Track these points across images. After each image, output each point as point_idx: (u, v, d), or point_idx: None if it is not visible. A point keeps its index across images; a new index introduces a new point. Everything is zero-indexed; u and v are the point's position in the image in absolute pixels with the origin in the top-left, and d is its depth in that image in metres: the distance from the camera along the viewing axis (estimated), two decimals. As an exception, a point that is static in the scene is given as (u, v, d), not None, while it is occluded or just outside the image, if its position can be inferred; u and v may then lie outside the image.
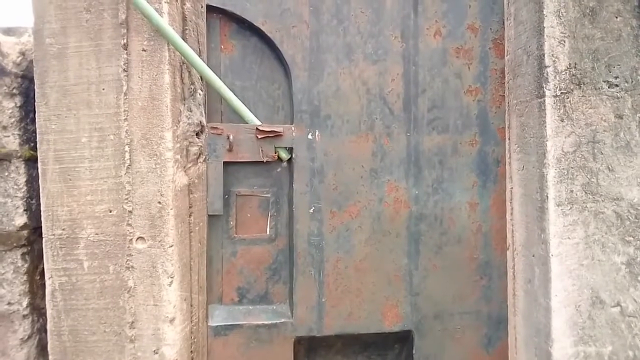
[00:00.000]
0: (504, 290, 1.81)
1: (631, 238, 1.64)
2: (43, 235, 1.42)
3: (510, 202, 1.82)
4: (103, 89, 1.41)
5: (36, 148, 1.42)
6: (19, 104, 1.53)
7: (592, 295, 1.63)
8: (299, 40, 1.68)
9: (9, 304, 1.52)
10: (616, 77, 1.65)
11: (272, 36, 1.67)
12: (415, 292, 1.75)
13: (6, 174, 1.50)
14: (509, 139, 1.82)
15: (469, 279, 1.78)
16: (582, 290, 1.63)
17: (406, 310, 1.75)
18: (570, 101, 1.63)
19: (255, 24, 1.66)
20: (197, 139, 1.58)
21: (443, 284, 1.77)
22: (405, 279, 1.75)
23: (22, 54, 1.55)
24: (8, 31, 1.58)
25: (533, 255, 1.72)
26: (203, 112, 1.61)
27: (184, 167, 1.55)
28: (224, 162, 1.63)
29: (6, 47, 1.52)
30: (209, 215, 1.64)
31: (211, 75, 1.56)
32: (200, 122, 1.59)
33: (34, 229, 1.57)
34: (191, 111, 1.55)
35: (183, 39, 1.48)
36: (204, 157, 1.63)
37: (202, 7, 1.62)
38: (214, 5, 1.64)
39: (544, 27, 1.65)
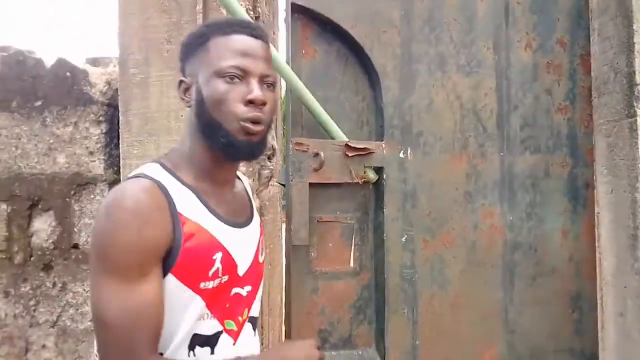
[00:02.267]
0: (596, 324, 1.74)
1: None
2: None
3: (598, 229, 1.76)
4: (181, 116, 1.43)
5: (119, 172, 1.48)
6: (104, 131, 1.64)
7: (694, 331, 1.58)
8: (390, 47, 1.55)
9: (92, 321, 1.57)
10: None
11: (362, 42, 1.52)
12: (510, 330, 1.64)
13: (91, 196, 1.59)
14: (595, 160, 1.76)
15: (563, 313, 1.69)
16: (683, 326, 1.58)
17: (502, 350, 1.63)
18: (664, 122, 1.60)
19: (343, 27, 1.51)
20: (268, 162, 1.57)
21: (537, 319, 1.66)
22: (501, 315, 1.63)
23: (108, 83, 1.65)
24: (94, 62, 1.72)
25: (625, 287, 1.66)
26: (274, 135, 1.61)
27: (256, 190, 1.47)
28: (309, 184, 1.46)
29: (94, 77, 1.64)
30: (292, 246, 1.45)
31: (297, 83, 1.40)
32: (272, 145, 1.58)
33: None
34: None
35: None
36: (274, 180, 1.55)
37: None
38: (298, 3, 1.47)
39: (634, 43, 1.62)
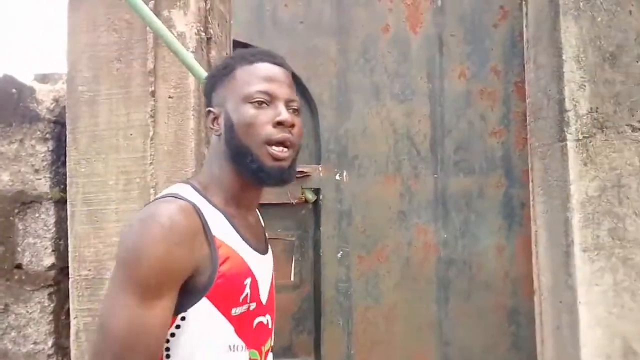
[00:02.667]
0: (533, 338, 1.82)
1: (661, 285, 1.70)
2: (69, 276, 1.46)
3: (536, 246, 1.85)
4: (131, 134, 1.48)
5: (66, 190, 1.49)
6: (51, 148, 1.62)
7: (624, 345, 1.66)
8: (325, 78, 1.70)
9: (35, 343, 1.57)
10: (639, 121, 1.73)
11: (299, 73, 1.68)
12: (445, 342, 1.74)
13: (36, 215, 1.58)
14: (532, 181, 1.87)
15: (500, 327, 1.79)
16: (612, 339, 1.65)
17: (437, 360, 1.73)
18: (593, 145, 1.70)
19: (282, 61, 1.66)
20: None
21: (473, 333, 1.76)
22: (435, 328, 1.74)
23: (56, 100, 1.66)
24: (44, 78, 1.73)
25: (560, 302, 1.75)
26: None
27: None
28: (249, 204, 1.60)
29: (41, 95, 1.65)
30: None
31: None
32: None
33: (61, 269, 1.61)
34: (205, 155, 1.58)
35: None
36: None
37: (226, 54, 1.65)
38: (241, 40, 1.64)
39: (564, 72, 1.73)
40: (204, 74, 1.56)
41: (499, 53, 1.88)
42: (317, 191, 1.68)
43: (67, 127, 1.50)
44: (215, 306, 0.80)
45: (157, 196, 0.89)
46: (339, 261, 1.67)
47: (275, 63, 0.90)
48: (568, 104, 1.72)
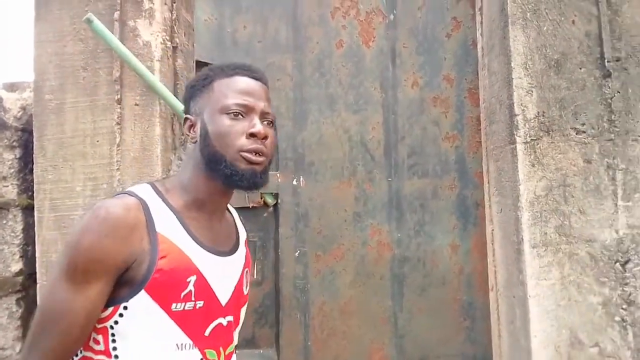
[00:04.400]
0: (488, 332, 1.93)
1: (605, 279, 1.78)
2: (37, 282, 1.51)
3: (492, 244, 1.96)
4: (97, 141, 1.57)
5: (33, 197, 1.54)
6: (18, 156, 1.67)
7: (571, 335, 1.75)
8: (283, 92, 1.87)
9: (2, 349, 1.58)
10: (583, 124, 1.83)
11: (258, 89, 1.85)
12: (400, 335, 1.87)
13: (4, 221, 1.62)
14: (488, 182, 1.98)
15: (453, 321, 1.90)
16: (560, 330, 1.75)
17: (392, 353, 1.85)
18: (540, 147, 1.81)
19: (242, 77, 1.84)
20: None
21: (428, 326, 1.88)
22: (390, 321, 1.86)
23: (23, 108, 1.72)
24: (11, 87, 1.76)
25: (513, 296, 1.85)
26: None
27: None
28: (212, 209, 1.78)
29: (8, 103, 1.69)
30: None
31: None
32: None
33: (29, 275, 1.66)
34: (181, 160, 1.71)
35: (174, 93, 1.65)
36: None
37: (193, 62, 1.81)
38: (203, 60, 1.82)
39: (513, 79, 1.83)
40: (180, 106, 1.69)
41: (452, 62, 2.00)
42: (276, 196, 1.84)
43: (35, 134, 1.55)
44: (154, 299, 0.83)
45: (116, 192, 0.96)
46: (297, 260, 1.82)
47: (253, 77, 0.95)
48: (517, 109, 1.82)
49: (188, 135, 0.96)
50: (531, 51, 1.85)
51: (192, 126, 0.95)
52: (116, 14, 1.59)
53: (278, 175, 1.84)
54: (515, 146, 1.82)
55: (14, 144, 1.67)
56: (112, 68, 1.60)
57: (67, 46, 1.59)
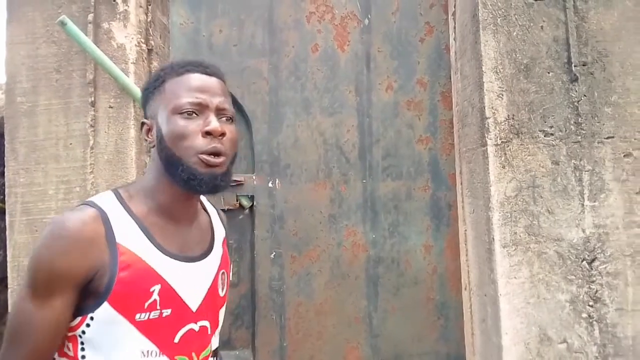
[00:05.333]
0: (461, 330, 1.97)
1: (573, 277, 1.83)
2: (8, 286, 1.50)
3: (465, 244, 2.00)
4: (70, 144, 1.56)
5: (4, 200, 1.53)
6: None
7: (540, 332, 1.80)
8: (259, 95, 1.89)
9: None
10: (551, 127, 1.88)
11: (234, 92, 1.86)
12: (375, 334, 1.90)
13: None
14: (460, 184, 2.02)
15: (427, 320, 1.94)
16: (530, 328, 1.79)
17: (367, 352, 1.88)
18: (510, 149, 1.85)
19: (217, 80, 1.86)
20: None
21: (402, 325, 1.91)
22: (365, 321, 1.89)
23: None
24: None
25: (485, 295, 1.89)
26: None
27: None
28: (188, 211, 1.79)
29: None
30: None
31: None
32: None
33: (0, 280, 1.67)
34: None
35: (149, 96, 1.66)
36: None
37: None
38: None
39: (484, 82, 1.87)
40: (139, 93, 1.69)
41: (425, 66, 2.04)
42: (252, 198, 1.86)
43: (6, 137, 1.55)
44: (117, 310, 0.83)
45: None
46: (272, 261, 1.84)
47: (205, 73, 0.91)
48: (488, 112, 1.86)
49: (146, 140, 0.93)
50: (501, 56, 1.90)
51: (149, 130, 0.93)
52: (90, 17, 1.58)
53: (254, 177, 1.85)
54: (486, 148, 1.86)
55: (-15, 147, 1.65)
56: (85, 70, 1.59)
57: (40, 48, 1.58)
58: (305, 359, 1.84)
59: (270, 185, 1.86)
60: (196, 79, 0.90)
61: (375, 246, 1.92)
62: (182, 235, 0.93)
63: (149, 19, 1.70)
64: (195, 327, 0.92)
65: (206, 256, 0.97)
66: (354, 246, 1.90)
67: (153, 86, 0.92)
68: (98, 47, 1.58)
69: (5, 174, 1.53)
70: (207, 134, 0.85)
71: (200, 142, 0.85)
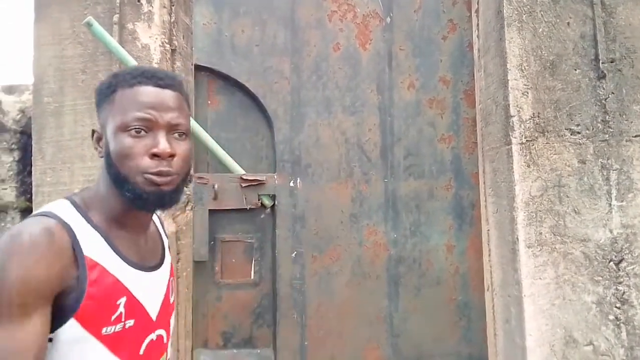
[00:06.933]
0: (483, 331, 1.94)
1: (600, 278, 1.79)
2: None
3: (488, 244, 1.97)
4: None
5: (32, 199, 1.54)
6: (17, 158, 1.68)
7: (566, 334, 1.76)
8: (280, 95, 1.89)
9: None
10: (578, 125, 1.84)
11: (256, 92, 1.87)
12: (396, 334, 1.89)
13: (2, 224, 1.64)
14: (483, 183, 1.99)
15: (449, 320, 1.92)
16: (555, 329, 1.76)
17: (387, 352, 1.87)
18: (535, 148, 1.82)
19: (240, 81, 1.87)
20: (185, 188, 1.77)
21: (423, 326, 1.90)
22: (386, 321, 1.88)
23: (22, 111, 1.72)
24: (9, 89, 1.75)
25: (509, 296, 1.86)
26: (191, 163, 1.79)
27: (172, 215, 1.69)
28: (210, 210, 1.80)
29: (7, 106, 1.70)
30: (195, 261, 1.79)
31: (198, 129, 1.75)
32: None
33: None
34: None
35: (172, 96, 1.67)
36: (191, 205, 1.79)
37: (191, 64, 1.83)
38: (202, 64, 1.85)
39: (508, 80, 1.83)
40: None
41: (448, 64, 2.02)
42: (273, 197, 1.87)
43: (33, 137, 1.54)
44: (84, 327, 0.78)
45: (33, 213, 0.86)
46: (294, 260, 1.84)
47: (158, 85, 0.84)
48: (512, 110, 1.83)
49: (96, 149, 0.87)
50: (527, 53, 1.86)
51: (99, 139, 0.87)
52: (115, 17, 1.58)
53: (275, 177, 1.86)
54: (511, 147, 1.83)
55: (13, 146, 1.68)
56: (111, 71, 1.59)
57: (66, 49, 1.59)
58: (326, 358, 1.84)
59: (291, 184, 1.87)
60: (147, 92, 0.83)
61: (397, 246, 1.91)
62: (139, 245, 0.91)
63: (172, 20, 1.70)
64: (154, 336, 0.89)
65: (161, 265, 0.95)
66: (375, 246, 1.89)
67: (104, 94, 0.86)
68: (123, 47, 1.59)
69: (33, 173, 1.54)
70: (155, 155, 0.81)
71: (147, 163, 0.81)
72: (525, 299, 1.77)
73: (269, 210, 1.88)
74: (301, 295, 1.83)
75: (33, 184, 1.55)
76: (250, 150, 1.90)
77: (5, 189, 1.67)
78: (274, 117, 1.86)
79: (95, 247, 0.81)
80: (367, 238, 1.89)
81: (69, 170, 1.56)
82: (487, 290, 1.98)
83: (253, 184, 1.81)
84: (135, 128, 0.81)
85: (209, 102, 1.88)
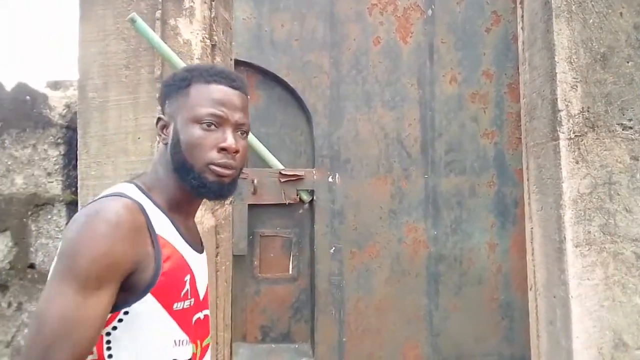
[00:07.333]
0: (526, 332, 1.89)
1: (652, 279, 1.71)
2: None
3: (531, 243, 1.91)
4: (139, 138, 1.59)
5: (77, 192, 1.57)
6: (62, 152, 1.72)
7: (615, 337, 1.69)
8: (319, 89, 1.87)
9: None
10: (630, 120, 1.76)
11: (295, 86, 1.86)
12: (435, 333, 1.85)
13: (49, 216, 1.68)
14: (527, 180, 1.93)
15: (490, 320, 1.87)
16: (603, 332, 1.69)
17: (427, 351, 1.84)
18: (584, 144, 1.75)
19: (279, 75, 1.86)
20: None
21: (464, 325, 1.86)
22: (426, 319, 1.84)
23: (68, 106, 1.75)
24: (55, 85, 1.79)
25: (554, 297, 1.80)
26: None
27: (212, 209, 1.70)
28: (249, 205, 1.80)
29: (53, 101, 1.73)
30: (234, 255, 1.80)
31: None
32: None
33: None
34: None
35: (213, 91, 1.68)
36: (230, 199, 1.80)
37: (231, 59, 1.83)
38: (241, 59, 1.85)
39: (556, 73, 1.77)
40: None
41: (491, 57, 1.96)
42: (312, 192, 1.86)
43: (78, 132, 1.57)
44: (159, 302, 0.83)
45: (101, 194, 0.90)
46: (332, 256, 1.82)
47: (231, 86, 0.91)
48: (560, 104, 1.77)
49: (160, 136, 0.94)
50: (576, 45, 1.79)
51: (164, 127, 0.93)
52: (158, 13, 1.59)
53: (314, 172, 1.85)
54: (558, 142, 1.77)
55: (59, 141, 1.72)
56: (153, 66, 1.61)
57: (110, 45, 1.61)
58: (364, 355, 1.82)
59: (330, 179, 1.85)
60: (221, 90, 0.90)
61: (437, 243, 1.87)
62: (190, 228, 0.98)
63: (212, 15, 1.71)
64: (201, 315, 0.95)
65: (204, 249, 1.02)
66: (414, 243, 1.86)
67: (178, 86, 0.93)
68: (165, 43, 1.61)
69: (78, 167, 1.57)
70: (222, 149, 0.87)
71: (214, 156, 0.87)
72: (572, 300, 1.71)
73: (307, 205, 1.87)
74: (339, 291, 1.82)
75: (78, 177, 1.58)
76: (289, 145, 1.89)
77: (52, 182, 1.71)
78: (313, 111, 1.85)
79: (163, 226, 0.87)
80: (407, 235, 1.86)
81: (112, 164, 1.59)
82: (530, 289, 1.92)
83: (292, 179, 1.80)
84: (207, 122, 0.88)
85: (248, 97, 1.88)
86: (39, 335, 0.75)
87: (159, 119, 0.95)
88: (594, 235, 1.73)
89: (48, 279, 0.81)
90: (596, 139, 1.76)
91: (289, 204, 1.83)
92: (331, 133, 1.86)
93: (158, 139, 0.96)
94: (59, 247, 0.82)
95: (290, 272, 1.85)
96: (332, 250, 1.82)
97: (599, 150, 1.75)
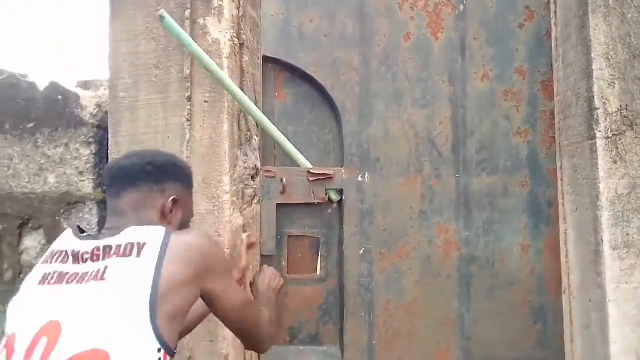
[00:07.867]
0: (560, 336, 1.84)
1: (695, 284, 1.66)
2: None
3: (565, 245, 1.86)
4: (169, 137, 1.59)
5: None
6: (94, 152, 1.74)
7: (655, 343, 1.64)
8: (349, 86, 1.84)
9: None
10: (671, 118, 1.70)
11: (324, 83, 1.83)
12: (467, 337, 1.81)
13: (81, 214, 1.71)
14: (561, 180, 1.88)
15: (523, 324, 1.82)
16: (643, 337, 1.64)
17: (458, 355, 1.79)
18: (622, 143, 1.69)
19: (307, 72, 1.83)
20: (252, 181, 1.72)
21: (496, 329, 1.81)
22: (457, 323, 1.80)
23: (98, 106, 1.77)
24: (86, 84, 1.82)
25: (590, 300, 1.75)
26: (258, 156, 1.75)
27: (240, 208, 1.69)
28: (277, 204, 1.77)
29: (84, 101, 1.76)
30: (262, 256, 1.77)
31: (266, 122, 1.72)
32: (256, 166, 1.74)
33: None
34: (247, 156, 1.72)
35: (241, 89, 1.65)
36: (258, 198, 1.77)
37: (258, 58, 1.80)
38: (269, 55, 1.82)
39: (593, 70, 1.71)
40: (249, 102, 1.69)
41: (524, 53, 1.90)
42: (341, 192, 1.82)
43: (109, 131, 1.59)
44: None
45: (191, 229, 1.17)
46: (361, 257, 1.79)
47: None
48: (597, 102, 1.71)
49: (171, 213, 1.06)
50: (613, 41, 1.73)
51: (175, 204, 1.07)
52: (187, 12, 1.59)
53: (343, 171, 1.81)
54: (595, 142, 1.71)
55: (90, 140, 1.74)
56: (182, 66, 1.61)
57: (140, 45, 1.61)
58: (394, 359, 1.78)
59: (359, 179, 1.81)
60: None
61: (469, 245, 1.83)
62: None
63: (240, 14, 1.70)
64: None
65: None
66: (446, 244, 1.82)
67: (190, 182, 1.20)
68: (196, 42, 1.59)
69: None
70: None
71: None
72: (610, 304, 1.65)
73: (336, 205, 1.84)
74: (369, 293, 1.78)
75: (109, 176, 1.58)
76: (317, 144, 1.86)
77: (84, 180, 1.72)
78: (342, 109, 1.82)
79: None
80: (438, 236, 1.81)
81: (142, 164, 1.58)
82: (564, 293, 1.87)
83: (320, 178, 1.77)
84: None
85: (276, 94, 1.85)
86: (253, 314, 1.11)
87: (175, 199, 1.09)
88: (633, 238, 1.67)
89: (221, 271, 1.02)
90: (635, 137, 1.70)
91: (317, 203, 1.79)
92: (361, 131, 1.82)
93: (167, 213, 1.08)
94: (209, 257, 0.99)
95: (319, 273, 1.82)
96: (361, 251, 1.79)
97: (638, 150, 1.70)
